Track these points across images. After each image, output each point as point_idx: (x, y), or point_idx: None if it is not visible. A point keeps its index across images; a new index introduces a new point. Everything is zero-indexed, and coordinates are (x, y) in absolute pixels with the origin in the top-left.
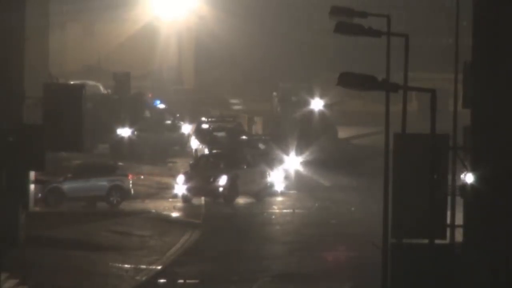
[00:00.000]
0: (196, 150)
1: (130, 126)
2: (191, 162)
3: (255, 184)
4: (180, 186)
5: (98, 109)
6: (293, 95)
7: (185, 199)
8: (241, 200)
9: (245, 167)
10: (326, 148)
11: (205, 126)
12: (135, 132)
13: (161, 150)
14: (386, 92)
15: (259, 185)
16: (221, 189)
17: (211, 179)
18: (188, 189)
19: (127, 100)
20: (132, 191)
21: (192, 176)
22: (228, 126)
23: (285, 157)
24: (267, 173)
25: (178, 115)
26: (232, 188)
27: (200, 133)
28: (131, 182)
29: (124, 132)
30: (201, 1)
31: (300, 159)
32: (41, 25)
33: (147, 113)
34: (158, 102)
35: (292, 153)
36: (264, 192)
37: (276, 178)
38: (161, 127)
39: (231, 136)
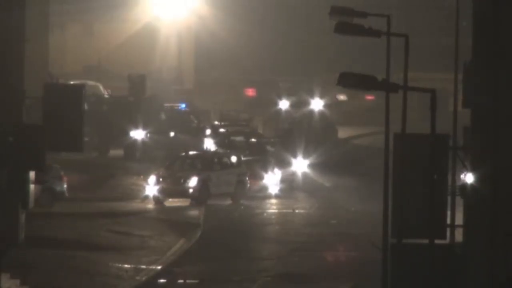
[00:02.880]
0: None
1: (144, 128)
2: (167, 163)
3: (230, 185)
4: (151, 187)
5: (112, 111)
6: (293, 95)
7: (156, 200)
8: (240, 201)
9: (219, 168)
10: (328, 148)
11: (222, 130)
12: (148, 135)
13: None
14: (386, 92)
15: (236, 187)
16: (191, 190)
17: (182, 181)
18: (159, 191)
19: (142, 102)
20: (67, 194)
21: (164, 177)
22: (245, 130)
23: (293, 160)
24: (246, 175)
25: (202, 118)
26: (203, 189)
27: (217, 137)
28: (65, 184)
29: (138, 134)
30: (201, 1)
31: (307, 161)
32: (41, 25)
33: (163, 115)
34: (183, 106)
35: (300, 156)
36: (241, 194)
37: (271, 180)
38: (173, 129)
39: (248, 140)
